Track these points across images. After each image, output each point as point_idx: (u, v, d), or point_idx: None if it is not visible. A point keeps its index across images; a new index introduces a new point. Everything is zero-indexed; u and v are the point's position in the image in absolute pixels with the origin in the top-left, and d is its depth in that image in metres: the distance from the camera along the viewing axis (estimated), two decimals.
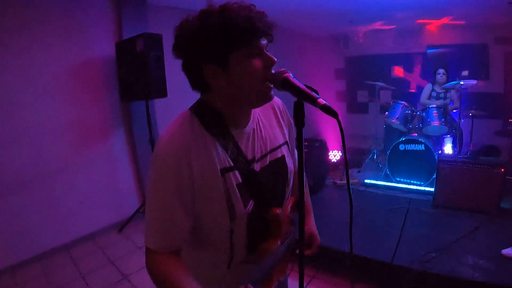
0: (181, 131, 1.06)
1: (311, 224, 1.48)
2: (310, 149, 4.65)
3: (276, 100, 1.34)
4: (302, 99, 0.97)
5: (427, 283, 2.91)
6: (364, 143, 6.19)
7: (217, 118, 1.10)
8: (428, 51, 7.52)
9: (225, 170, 1.08)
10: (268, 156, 1.22)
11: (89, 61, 4.14)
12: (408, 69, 7.66)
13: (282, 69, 1.02)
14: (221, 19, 0.97)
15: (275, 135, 1.27)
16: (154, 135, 4.23)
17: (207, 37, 0.98)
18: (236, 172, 1.11)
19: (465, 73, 5.55)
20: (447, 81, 5.23)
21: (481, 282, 2.75)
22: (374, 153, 5.85)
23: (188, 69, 1.08)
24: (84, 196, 4.15)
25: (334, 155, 5.49)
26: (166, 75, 3.98)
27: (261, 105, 1.13)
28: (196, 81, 1.10)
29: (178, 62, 1.09)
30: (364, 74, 6.39)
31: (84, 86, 4.11)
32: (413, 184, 4.85)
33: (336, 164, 5.43)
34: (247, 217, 1.14)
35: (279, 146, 1.27)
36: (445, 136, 5.42)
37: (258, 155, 1.19)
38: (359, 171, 5.53)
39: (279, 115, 1.33)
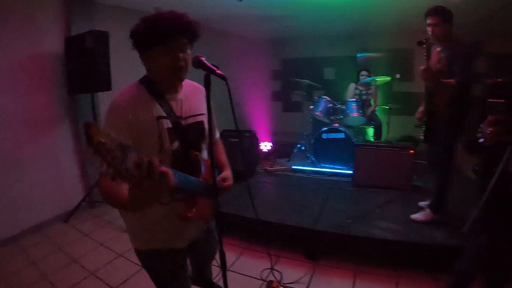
0: (130, 90, 1.58)
1: (227, 172, 1.95)
2: (242, 139, 5.04)
3: (201, 87, 1.83)
4: (209, 72, 1.51)
5: (345, 243, 3.40)
6: (296, 138, 6.61)
7: (155, 86, 1.61)
8: (358, 55, 8.21)
9: (160, 117, 1.57)
10: (191, 118, 1.73)
11: (38, 55, 4.27)
12: (339, 71, 8.31)
13: (198, 54, 1.54)
14: (148, 23, 1.49)
15: (198, 107, 1.78)
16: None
17: (138, 35, 1.52)
18: (168, 121, 1.60)
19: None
20: None
21: (391, 240, 3.28)
22: (302, 144, 6.29)
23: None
24: (30, 188, 4.19)
25: (265, 146, 5.87)
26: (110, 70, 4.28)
27: (174, 84, 1.67)
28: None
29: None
30: (298, 75, 6.84)
31: (32, 79, 4.20)
32: (336, 169, 5.35)
33: (267, 154, 5.80)
34: (172, 153, 1.61)
35: (200, 114, 1.78)
36: (366, 127, 6.05)
37: (184, 115, 1.70)
38: (288, 160, 5.94)
39: (202, 97, 1.80)
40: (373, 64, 7.66)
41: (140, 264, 1.80)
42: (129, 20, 1.56)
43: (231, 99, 1.57)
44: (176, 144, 1.63)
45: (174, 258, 1.77)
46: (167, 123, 1.59)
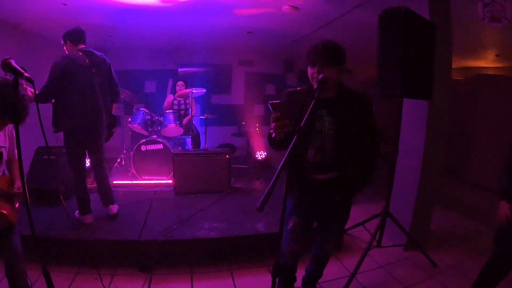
0: None
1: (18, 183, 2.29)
2: (58, 156, 4.64)
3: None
4: (17, 76, 1.57)
5: (174, 249, 3.49)
6: (116, 153, 6.38)
7: None
8: (180, 69, 8.48)
9: None
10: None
11: None
12: (160, 84, 8.44)
13: (7, 57, 1.58)
14: None
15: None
16: None
17: None
18: None
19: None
20: None
21: (217, 237, 3.55)
22: (121, 159, 6.09)
23: None
24: None
25: None
26: None
27: None
28: None
29: None
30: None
31: None
32: (158, 179, 5.42)
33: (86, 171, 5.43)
34: None
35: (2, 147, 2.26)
36: (186, 137, 6.28)
37: None
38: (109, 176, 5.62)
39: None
40: (193, 77, 8.04)
41: None
42: None
43: (37, 102, 1.75)
44: None
45: None
46: None
